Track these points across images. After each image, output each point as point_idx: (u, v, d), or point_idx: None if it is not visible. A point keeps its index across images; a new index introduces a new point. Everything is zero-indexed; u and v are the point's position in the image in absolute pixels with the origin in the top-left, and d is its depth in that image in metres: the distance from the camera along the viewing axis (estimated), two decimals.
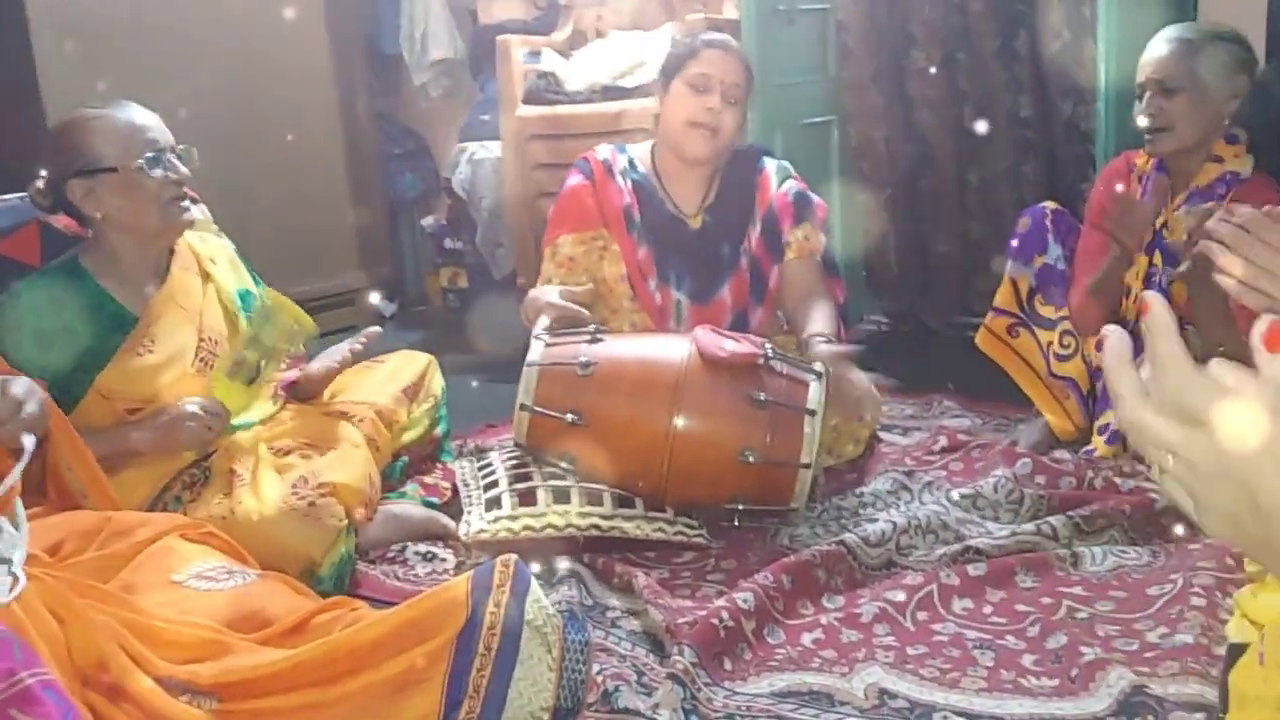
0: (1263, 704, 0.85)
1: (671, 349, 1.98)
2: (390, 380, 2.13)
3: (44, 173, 1.81)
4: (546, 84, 3.41)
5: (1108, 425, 2.14)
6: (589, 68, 3.44)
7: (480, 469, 2.06)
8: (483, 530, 1.86)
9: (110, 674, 1.17)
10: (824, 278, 2.28)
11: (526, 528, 1.85)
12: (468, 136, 3.99)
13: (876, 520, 1.92)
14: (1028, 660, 1.53)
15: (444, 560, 1.94)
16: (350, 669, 1.22)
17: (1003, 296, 2.31)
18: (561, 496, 1.90)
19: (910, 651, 1.57)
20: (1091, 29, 2.72)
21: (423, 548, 1.98)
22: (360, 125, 4.08)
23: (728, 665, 1.53)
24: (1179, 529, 1.80)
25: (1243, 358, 0.54)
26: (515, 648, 1.25)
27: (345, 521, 1.79)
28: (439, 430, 2.22)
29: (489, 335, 3.36)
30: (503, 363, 2.52)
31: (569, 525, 1.86)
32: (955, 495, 2.01)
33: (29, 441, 1.30)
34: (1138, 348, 0.58)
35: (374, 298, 3.99)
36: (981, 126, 3.12)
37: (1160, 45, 2.04)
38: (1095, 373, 2.23)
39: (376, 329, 2.05)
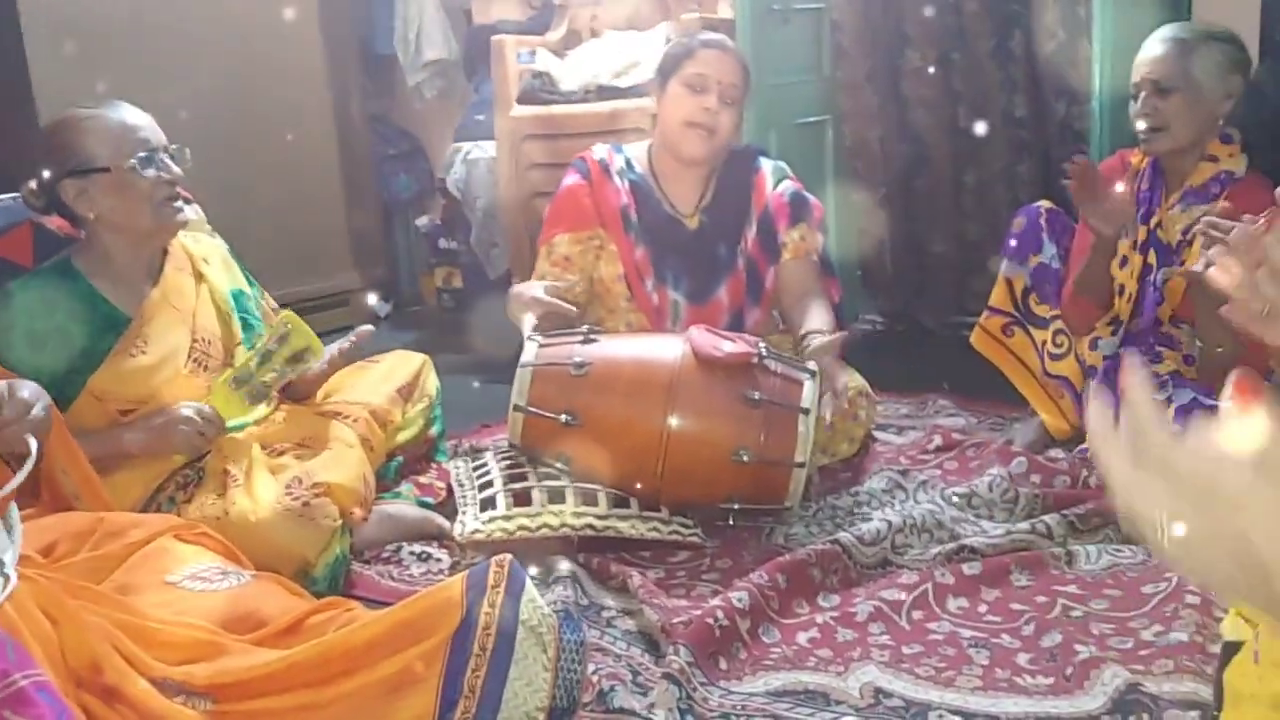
0: (1257, 702, 0.85)
1: (665, 349, 1.98)
2: (385, 380, 2.12)
3: (37, 173, 1.80)
4: (541, 84, 3.40)
5: None
6: (584, 68, 3.44)
7: (475, 469, 2.06)
8: (477, 530, 1.86)
9: (104, 675, 1.16)
10: (820, 278, 2.28)
11: (521, 528, 1.85)
12: (462, 137, 3.98)
13: (871, 519, 1.92)
14: (1023, 659, 1.53)
15: (439, 560, 1.94)
16: (345, 669, 1.22)
17: (998, 296, 2.32)
18: (556, 496, 1.90)
19: (905, 650, 1.57)
20: (1086, 29, 2.73)
21: (417, 548, 1.97)
22: (355, 126, 4.08)
23: (723, 665, 1.53)
24: None
25: (1242, 358, 0.55)
26: (510, 648, 1.25)
27: (339, 522, 1.78)
28: (434, 430, 2.21)
29: (484, 335, 3.35)
30: (498, 363, 2.52)
31: (564, 525, 1.85)
32: (950, 494, 2.02)
33: (35, 444, 1.30)
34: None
35: (369, 298, 3.98)
36: (977, 127, 3.12)
37: (1155, 45, 2.04)
38: (1090, 371, 2.23)
39: (368, 327, 2.04)
